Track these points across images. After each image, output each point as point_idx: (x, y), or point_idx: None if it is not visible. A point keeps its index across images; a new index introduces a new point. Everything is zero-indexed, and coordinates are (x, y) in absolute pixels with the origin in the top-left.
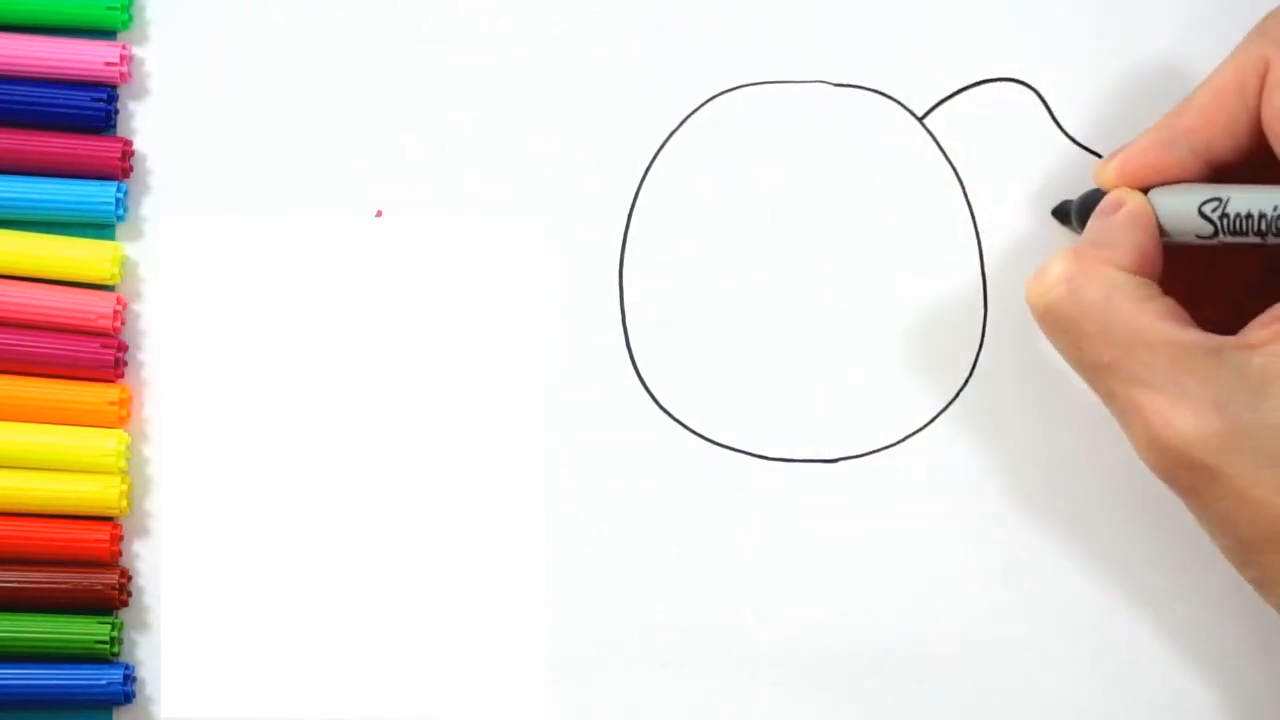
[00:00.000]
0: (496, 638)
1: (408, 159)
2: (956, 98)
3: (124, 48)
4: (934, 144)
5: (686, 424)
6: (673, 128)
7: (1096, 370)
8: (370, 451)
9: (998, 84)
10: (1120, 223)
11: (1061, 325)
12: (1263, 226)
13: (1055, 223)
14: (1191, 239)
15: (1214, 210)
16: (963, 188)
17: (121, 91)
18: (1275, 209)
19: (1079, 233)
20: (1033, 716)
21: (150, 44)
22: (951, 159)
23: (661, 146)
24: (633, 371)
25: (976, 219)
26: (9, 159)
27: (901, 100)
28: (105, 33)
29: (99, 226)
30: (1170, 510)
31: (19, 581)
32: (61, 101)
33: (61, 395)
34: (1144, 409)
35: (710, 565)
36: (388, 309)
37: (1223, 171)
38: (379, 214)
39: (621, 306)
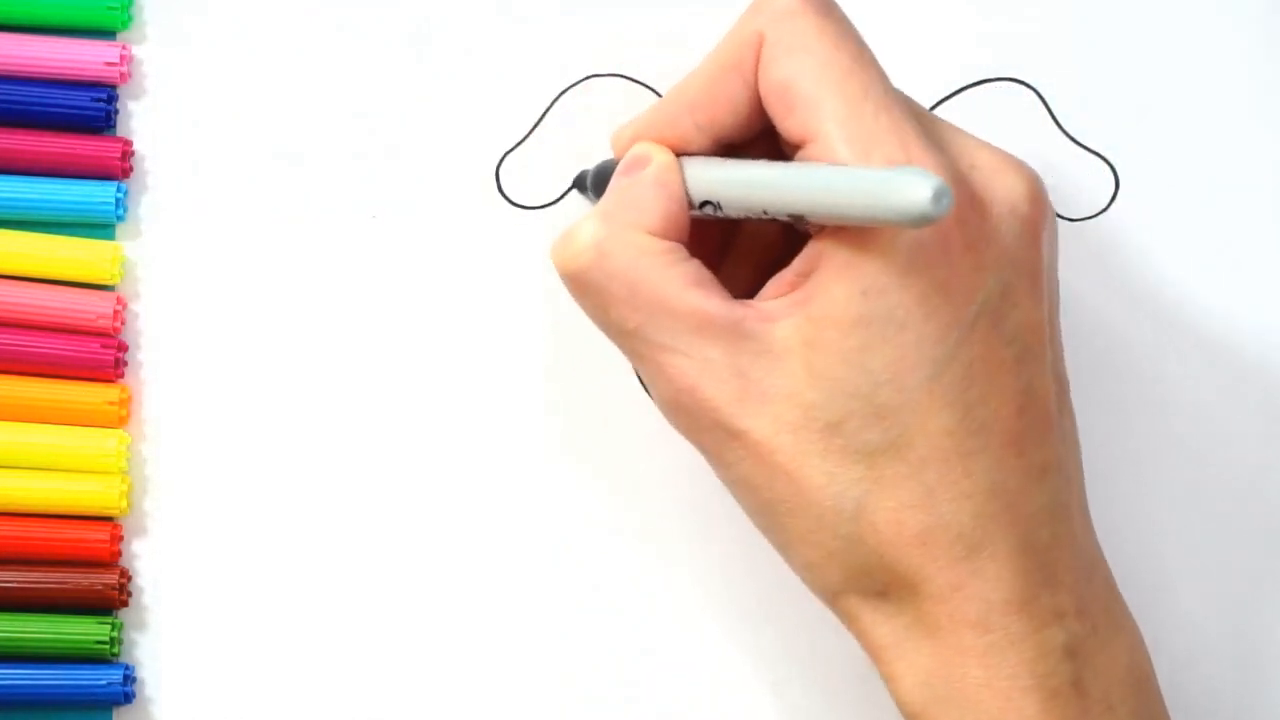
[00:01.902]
0: (496, 638)
1: (407, 159)
2: (956, 98)
3: (124, 48)
4: None
5: None
6: None
7: (623, 334)
8: (370, 452)
9: (998, 84)
10: (647, 183)
11: (589, 291)
12: (762, 214)
13: (1056, 222)
14: (704, 213)
15: (712, 211)
16: None
17: (121, 91)
18: (764, 209)
19: (593, 200)
20: None
21: (150, 44)
22: None
23: None
24: (633, 371)
25: None
26: (9, 159)
27: None
28: (105, 33)
29: (99, 226)
30: (1170, 509)
31: (19, 581)
32: (61, 101)
33: (61, 395)
34: (668, 371)
35: (710, 565)
36: (387, 309)
37: (731, 146)
38: (374, 217)
39: None
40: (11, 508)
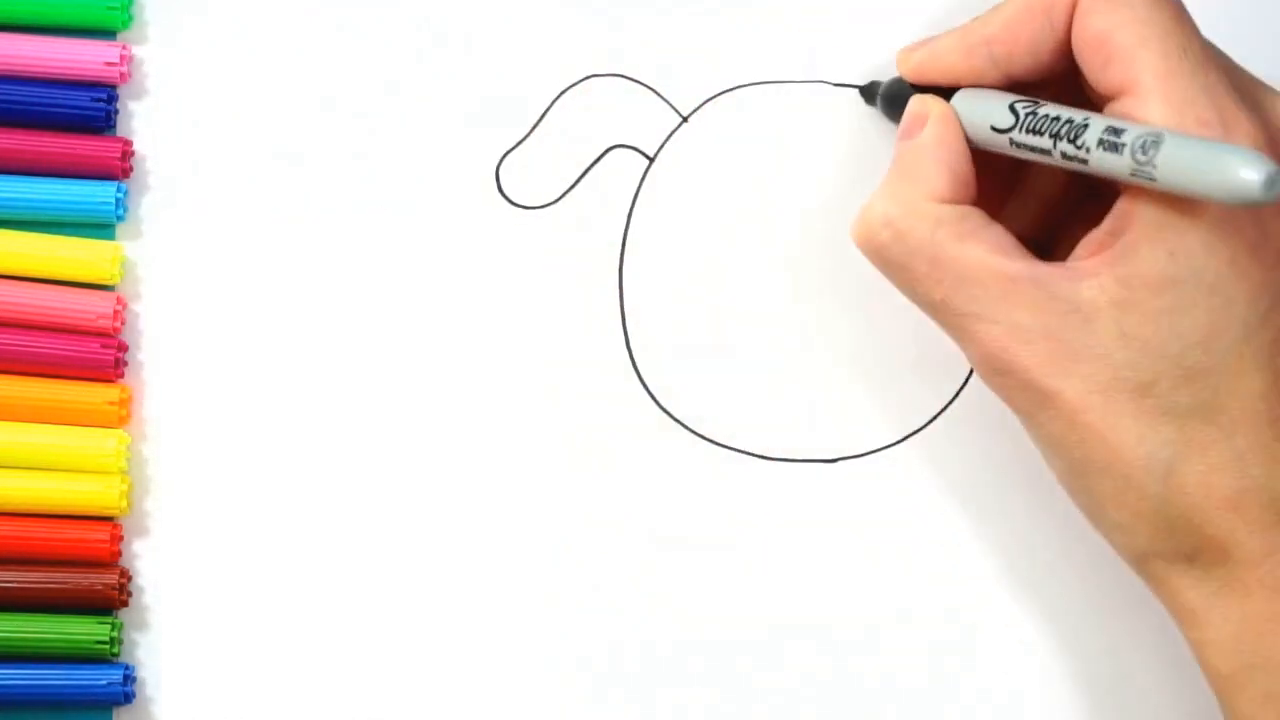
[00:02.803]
0: (496, 638)
1: (407, 159)
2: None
3: (124, 48)
4: None
5: (686, 424)
6: (673, 127)
7: (931, 305)
8: (370, 451)
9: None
10: (929, 145)
11: (894, 267)
12: (1061, 131)
13: None
14: (989, 141)
15: (1024, 107)
16: None
17: (121, 91)
18: (1085, 119)
19: (884, 114)
20: (1033, 714)
21: (150, 44)
22: None
23: (661, 146)
24: (633, 371)
25: None
26: (9, 159)
27: None
28: (105, 33)
29: (99, 226)
30: None
31: (19, 581)
32: (61, 101)
33: (61, 395)
34: (980, 338)
35: (710, 565)
36: (387, 309)
37: (1019, 87)
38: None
39: (621, 306)
40: (11, 508)
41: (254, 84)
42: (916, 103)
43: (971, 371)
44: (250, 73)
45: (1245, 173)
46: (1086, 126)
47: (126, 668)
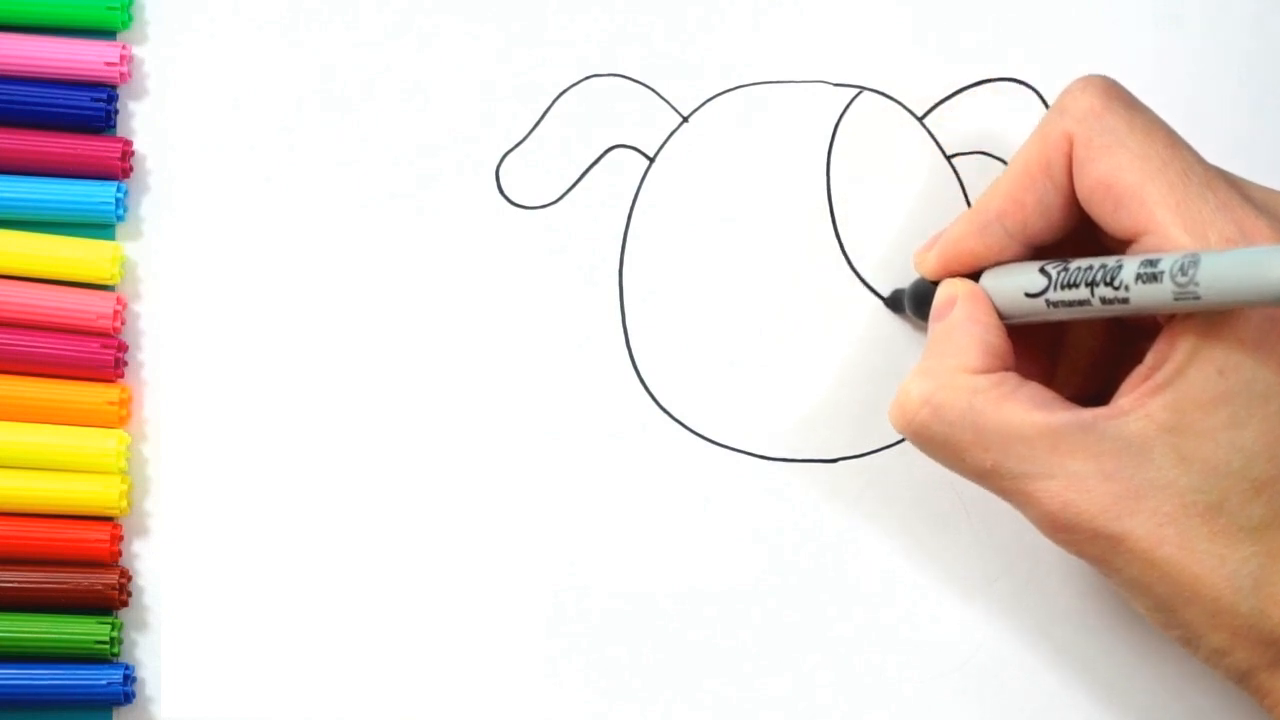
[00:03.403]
0: (496, 637)
1: (408, 159)
2: (956, 98)
3: (124, 48)
4: (934, 144)
5: (686, 424)
6: (673, 127)
7: (983, 475)
8: (370, 451)
9: (998, 84)
10: (959, 323)
11: (937, 444)
12: (1097, 278)
13: None
14: (1026, 309)
15: (1054, 268)
16: (963, 188)
17: (121, 91)
18: (1117, 261)
19: (913, 319)
20: (1030, 717)
21: (150, 44)
22: (951, 159)
23: (662, 146)
24: (633, 371)
25: None
26: (9, 159)
27: (901, 100)
28: (105, 33)
29: (99, 226)
30: None
31: (19, 581)
32: (61, 101)
33: (61, 395)
34: (1037, 497)
35: (710, 565)
36: (387, 309)
37: (1042, 248)
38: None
39: (621, 306)
40: (11, 508)
41: (254, 84)
42: (944, 286)
43: None
44: (250, 73)
45: None
46: (1121, 267)
47: (126, 668)
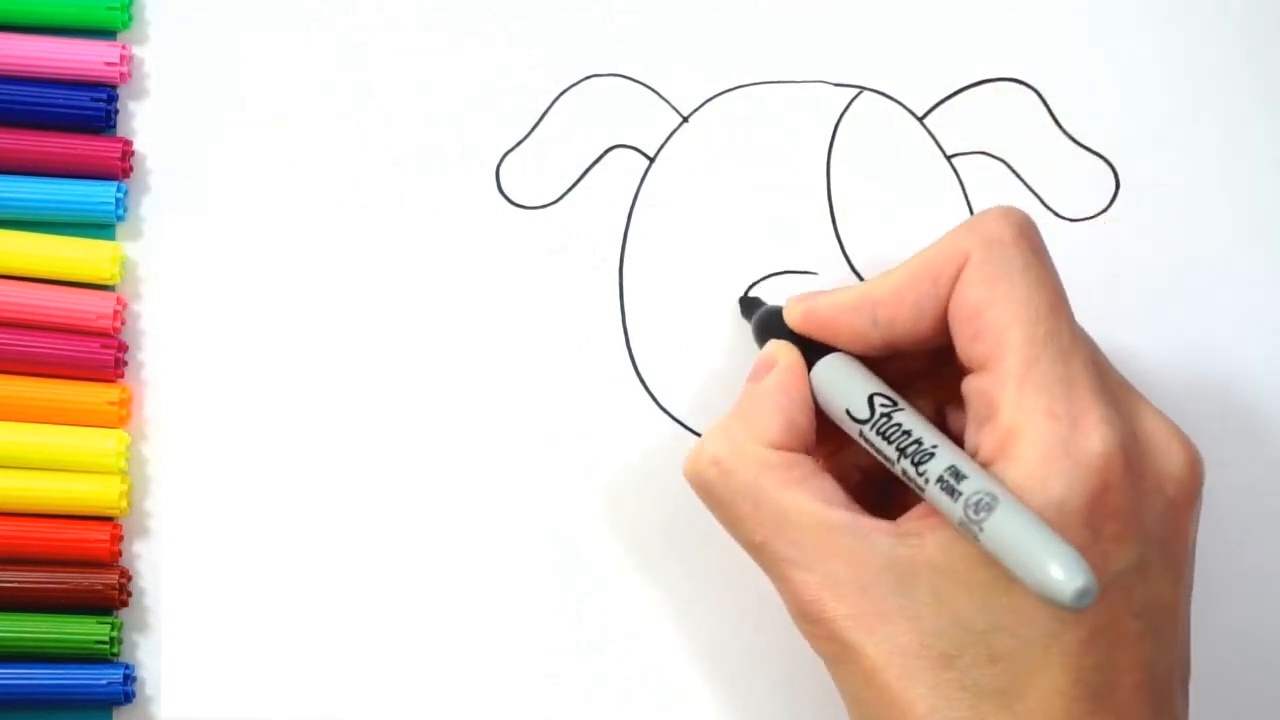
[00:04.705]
0: (496, 637)
1: (408, 159)
2: (956, 98)
3: (124, 48)
4: (934, 144)
5: (686, 424)
6: (673, 127)
7: (752, 547)
8: (370, 451)
9: (998, 84)
10: (770, 391)
11: (717, 504)
12: (909, 450)
13: (1056, 222)
14: (839, 417)
15: (882, 406)
16: (962, 188)
17: (121, 91)
18: (933, 446)
19: (754, 337)
20: None
21: (150, 44)
22: (951, 159)
23: (662, 146)
24: (633, 371)
25: None
26: (9, 159)
27: (901, 100)
28: (105, 33)
29: (99, 226)
30: None
31: (19, 581)
32: (61, 101)
33: (61, 395)
34: (794, 584)
35: (710, 565)
36: (387, 309)
37: (897, 352)
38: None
39: (621, 306)
40: (11, 508)
41: (254, 84)
42: (770, 346)
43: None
44: (250, 73)
45: (1059, 576)
46: (932, 455)
47: (126, 668)
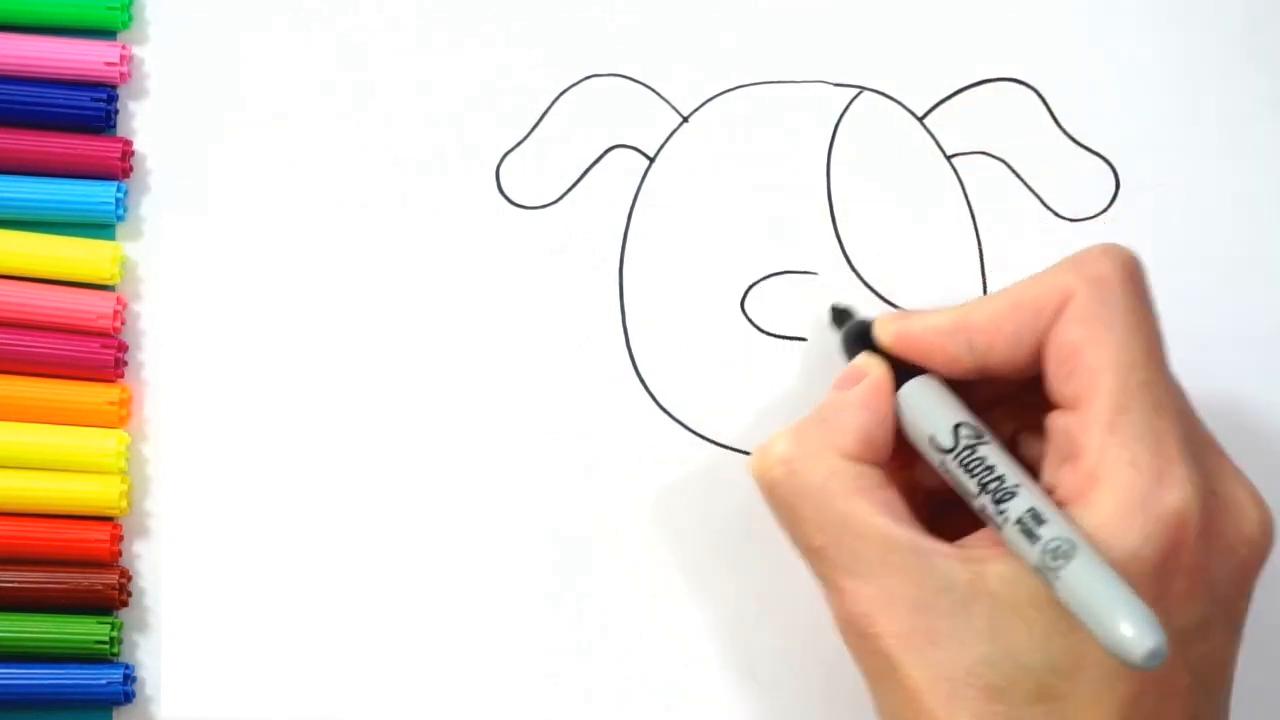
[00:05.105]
0: (496, 638)
1: (408, 158)
2: (956, 98)
3: (124, 48)
4: (934, 144)
5: (686, 424)
6: (673, 127)
7: (809, 550)
8: (370, 451)
9: (998, 84)
10: (851, 403)
11: (781, 505)
12: (990, 486)
13: (1056, 222)
14: (921, 443)
15: (967, 437)
16: (963, 188)
17: (121, 91)
18: (1015, 485)
19: (842, 348)
20: None
21: (150, 44)
22: (951, 159)
23: (662, 146)
24: (633, 371)
25: (976, 219)
26: (9, 159)
27: (901, 100)
28: (105, 33)
29: (99, 226)
30: None
31: (19, 581)
32: (61, 101)
33: (61, 395)
34: (845, 594)
35: (710, 565)
36: (387, 309)
37: (990, 379)
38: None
39: (621, 306)
40: (11, 508)
41: (254, 84)
42: (861, 358)
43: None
44: (250, 73)
45: (1130, 635)
46: (1014, 495)
47: (126, 668)
